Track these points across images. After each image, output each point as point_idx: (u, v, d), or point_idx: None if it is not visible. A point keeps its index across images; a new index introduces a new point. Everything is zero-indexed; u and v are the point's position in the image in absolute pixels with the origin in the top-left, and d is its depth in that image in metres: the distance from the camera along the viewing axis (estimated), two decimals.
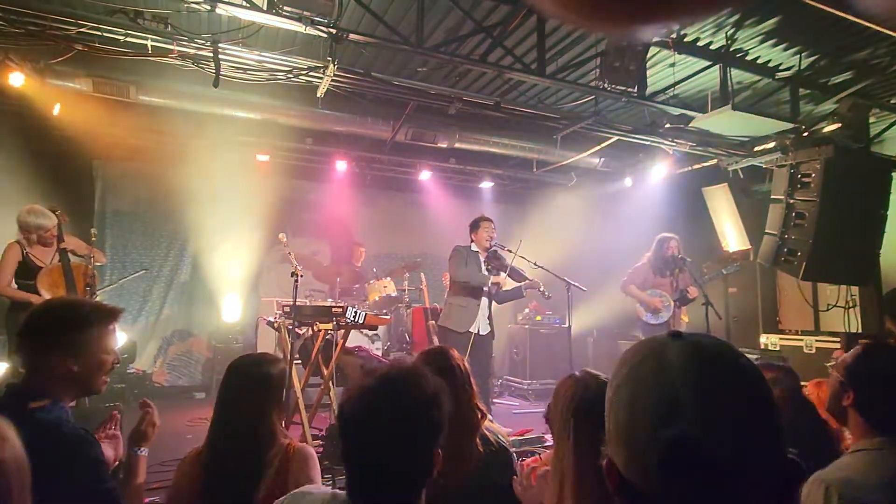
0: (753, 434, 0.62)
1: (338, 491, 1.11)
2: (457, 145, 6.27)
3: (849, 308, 5.46)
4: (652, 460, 0.62)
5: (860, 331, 5.22)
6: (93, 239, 4.33)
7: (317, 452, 3.76)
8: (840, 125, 5.05)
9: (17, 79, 4.30)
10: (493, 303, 4.86)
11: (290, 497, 1.15)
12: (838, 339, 5.04)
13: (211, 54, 4.07)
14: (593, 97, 5.22)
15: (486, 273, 4.76)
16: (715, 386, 0.63)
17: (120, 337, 5.57)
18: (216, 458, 1.71)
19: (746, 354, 0.70)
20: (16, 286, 4.04)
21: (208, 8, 3.58)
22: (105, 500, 1.47)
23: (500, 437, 1.86)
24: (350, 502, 1.06)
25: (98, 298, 4.39)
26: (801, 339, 5.43)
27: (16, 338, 1.58)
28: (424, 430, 1.06)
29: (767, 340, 5.62)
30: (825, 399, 2.54)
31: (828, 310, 5.69)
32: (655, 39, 4.46)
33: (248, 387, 1.76)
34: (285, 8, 3.59)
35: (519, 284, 4.81)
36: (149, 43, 3.95)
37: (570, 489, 1.31)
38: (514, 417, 5.73)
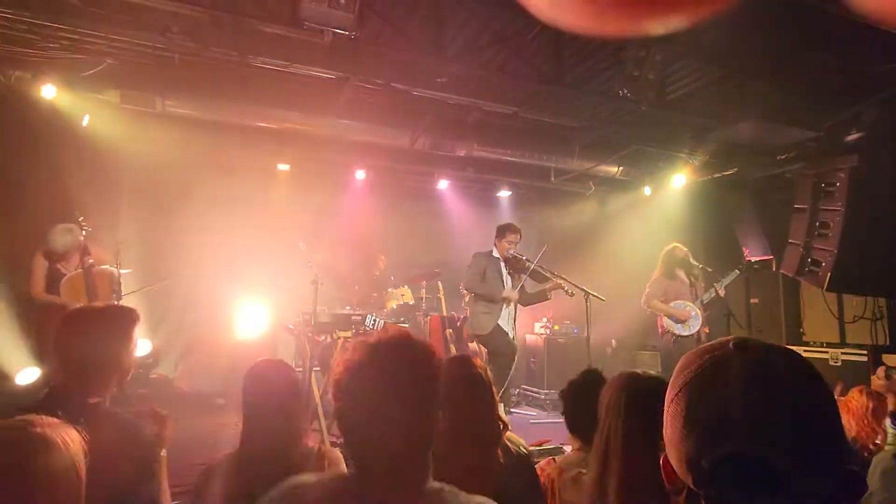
0: (806, 453, 0.61)
1: (342, 472, 1.08)
2: (475, 154, 6.29)
3: (876, 320, 5.33)
4: (704, 470, 0.63)
5: (888, 343, 5.10)
6: (119, 247, 4.43)
7: None
8: (865, 133, 4.97)
9: (48, 91, 4.45)
10: (516, 307, 4.89)
11: (286, 488, 1.07)
12: (865, 352, 4.92)
13: (235, 66, 4.17)
14: (612, 106, 5.20)
15: (509, 277, 4.78)
16: (769, 406, 0.62)
17: (145, 344, 5.70)
18: (253, 464, 1.71)
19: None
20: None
21: (233, 21, 3.67)
22: (158, 488, 1.61)
23: (520, 446, 1.85)
24: (357, 477, 1.03)
25: (123, 304, 4.48)
26: (827, 352, 5.32)
27: (66, 339, 1.67)
28: (418, 391, 1.03)
29: None
30: (861, 408, 2.50)
31: (854, 321, 5.55)
32: (674, 48, 4.44)
33: (277, 392, 1.79)
34: (308, 21, 3.67)
35: (543, 286, 4.83)
36: (176, 56, 4.06)
37: (615, 479, 1.32)
38: (531, 427, 5.68)
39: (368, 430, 1.01)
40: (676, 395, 0.69)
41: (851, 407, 2.53)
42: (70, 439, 1.15)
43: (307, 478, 1.08)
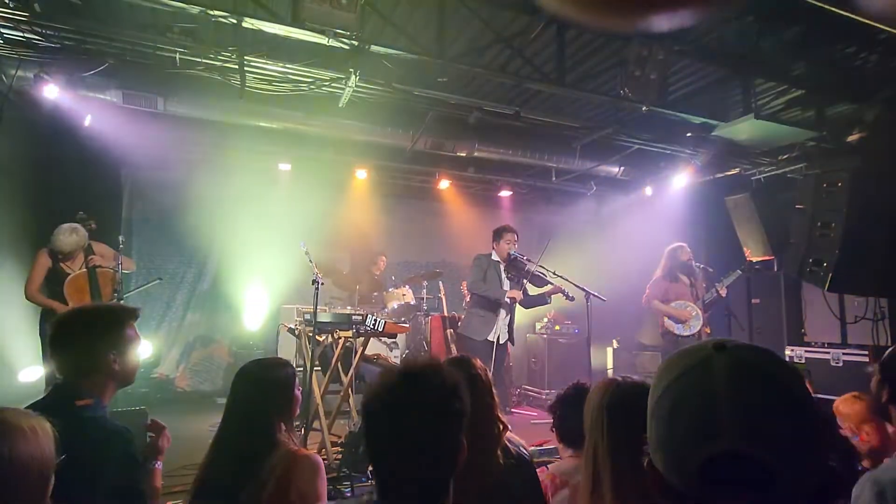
0: (793, 448, 0.62)
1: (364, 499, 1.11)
2: (476, 154, 6.29)
3: (878, 320, 5.31)
4: (691, 470, 0.63)
5: (890, 344, 5.09)
6: (120, 246, 4.45)
7: (335, 460, 3.80)
8: (866, 133, 4.96)
9: (51, 91, 4.46)
10: (515, 311, 4.88)
11: None
12: (867, 353, 4.92)
13: (236, 66, 4.18)
14: (613, 106, 5.20)
15: (507, 281, 4.78)
16: (756, 402, 0.63)
17: (145, 344, 5.72)
18: (216, 459, 1.72)
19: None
20: (47, 292, 4.17)
21: (234, 22, 3.67)
22: (137, 499, 1.55)
23: (520, 447, 1.85)
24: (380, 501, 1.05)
25: (123, 303, 4.49)
26: (828, 352, 5.31)
27: (53, 343, 1.66)
28: (448, 420, 1.07)
29: (793, 353, 5.50)
30: (856, 413, 2.48)
31: (856, 322, 5.54)
32: (677, 48, 4.44)
33: (252, 390, 1.78)
34: (309, 21, 3.67)
35: (542, 290, 4.83)
36: (177, 56, 4.07)
37: (608, 486, 1.33)
38: (531, 427, 5.68)
39: (395, 456, 1.05)
40: (660, 398, 0.69)
41: (848, 412, 2.49)
42: (40, 428, 1.13)
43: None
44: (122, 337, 1.69)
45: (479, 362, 1.88)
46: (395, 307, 6.35)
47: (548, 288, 4.81)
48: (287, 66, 4.31)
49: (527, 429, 5.46)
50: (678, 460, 0.65)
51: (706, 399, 0.64)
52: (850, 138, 5.03)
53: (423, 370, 1.10)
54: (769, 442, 0.61)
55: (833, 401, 2.59)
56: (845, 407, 2.50)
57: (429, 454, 1.04)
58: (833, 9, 3.55)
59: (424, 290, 6.83)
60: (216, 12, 3.61)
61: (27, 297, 4.16)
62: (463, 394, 1.10)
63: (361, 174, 6.95)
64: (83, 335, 1.65)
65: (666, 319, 5.28)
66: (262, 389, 1.77)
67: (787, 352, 5.57)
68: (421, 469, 1.04)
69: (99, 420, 1.57)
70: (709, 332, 5.65)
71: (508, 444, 1.80)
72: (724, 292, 5.29)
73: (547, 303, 5.01)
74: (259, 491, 1.61)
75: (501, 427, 1.78)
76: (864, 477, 1.29)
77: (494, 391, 1.86)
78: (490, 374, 1.88)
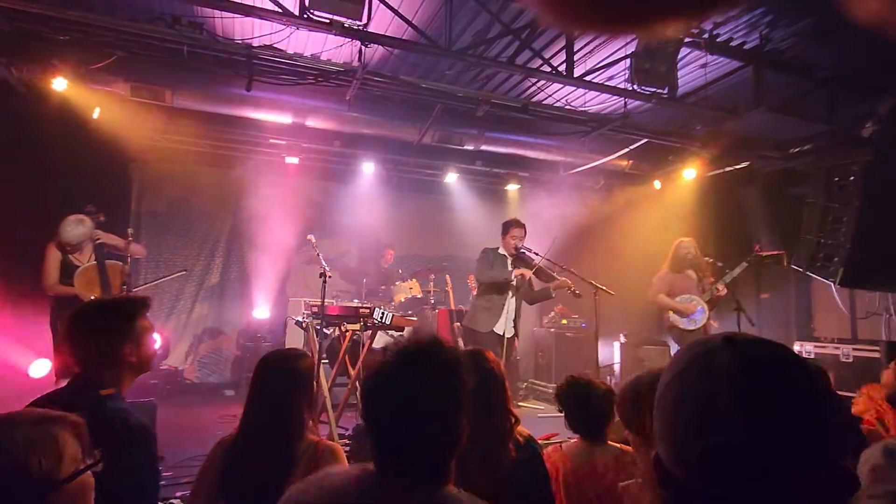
0: (795, 444, 0.61)
1: (367, 465, 1.07)
2: (483, 147, 6.27)
3: (889, 315, 5.27)
4: (692, 462, 0.63)
5: None
6: (129, 238, 4.47)
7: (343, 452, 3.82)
8: (879, 126, 4.89)
9: (60, 83, 4.47)
10: (521, 305, 4.86)
11: (311, 479, 1.09)
12: (877, 348, 4.88)
13: (244, 59, 4.17)
14: (622, 99, 5.16)
15: (510, 270, 4.76)
16: (760, 396, 0.62)
17: (155, 337, 5.77)
18: (244, 449, 1.74)
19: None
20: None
21: (242, 14, 3.66)
22: (153, 497, 1.56)
23: (531, 441, 1.85)
24: (380, 475, 1.04)
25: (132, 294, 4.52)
26: (838, 348, 5.27)
27: (68, 339, 1.68)
28: (447, 399, 1.04)
29: (802, 348, 5.46)
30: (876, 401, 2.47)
31: (866, 317, 5.49)
32: (687, 40, 4.39)
33: (278, 380, 1.81)
34: (316, 13, 3.66)
35: (547, 284, 4.81)
36: (185, 49, 4.07)
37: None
38: (539, 421, 5.68)
39: (392, 434, 1.03)
40: (665, 388, 0.69)
41: (875, 395, 2.49)
42: (34, 440, 1.00)
43: (337, 468, 1.11)
44: (136, 329, 1.71)
45: (492, 355, 1.88)
46: (403, 300, 6.36)
47: (553, 283, 4.78)
48: (294, 58, 4.30)
49: (535, 422, 5.46)
50: (680, 451, 0.66)
51: (708, 391, 0.64)
52: (863, 131, 4.96)
53: (425, 347, 1.08)
54: (769, 437, 0.60)
55: (843, 397, 2.58)
56: (874, 392, 2.50)
57: (426, 432, 1.02)
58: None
59: (432, 284, 6.83)
60: (224, 4, 3.61)
61: (47, 291, 4.18)
62: (462, 371, 1.07)
63: (369, 167, 6.94)
64: (99, 331, 1.67)
65: (670, 314, 5.25)
66: (292, 379, 1.82)
67: (796, 347, 5.53)
68: (418, 447, 1.02)
69: (122, 412, 1.59)
70: (715, 325, 5.62)
71: (520, 437, 1.80)
72: (723, 292, 5.20)
73: (551, 297, 4.99)
74: (286, 478, 1.63)
75: (514, 420, 1.78)
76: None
77: (507, 384, 1.85)
78: (503, 368, 1.88)
